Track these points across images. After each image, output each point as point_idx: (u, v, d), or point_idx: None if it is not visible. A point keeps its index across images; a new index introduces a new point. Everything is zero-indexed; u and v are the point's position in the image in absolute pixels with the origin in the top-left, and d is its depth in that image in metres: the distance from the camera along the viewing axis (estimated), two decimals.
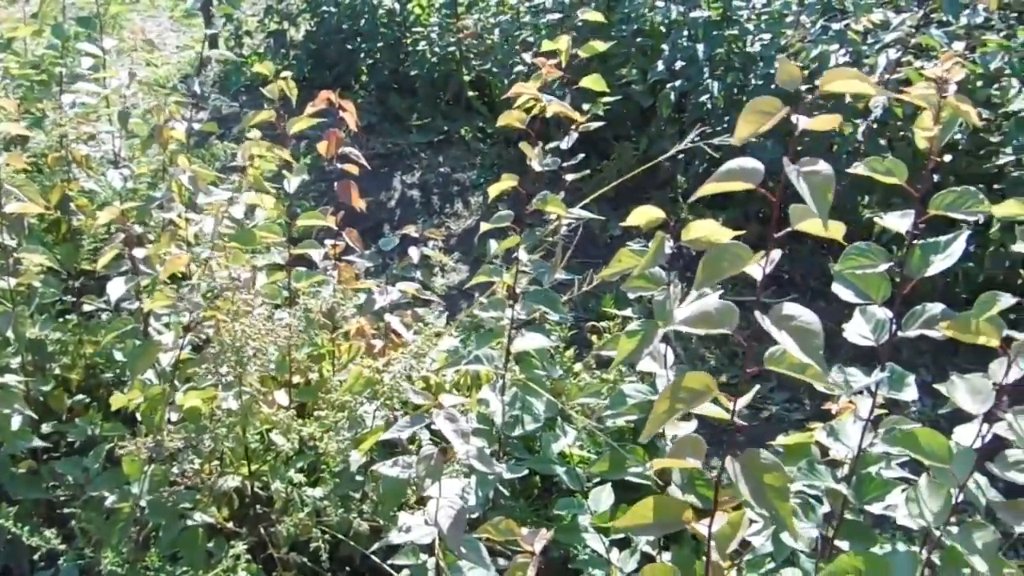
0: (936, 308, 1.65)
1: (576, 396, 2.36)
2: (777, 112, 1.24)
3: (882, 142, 4.03)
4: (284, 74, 2.62)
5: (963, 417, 1.75)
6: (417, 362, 1.96)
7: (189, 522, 2.22)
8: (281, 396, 2.42)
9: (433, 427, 1.68)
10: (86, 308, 3.26)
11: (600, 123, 2.83)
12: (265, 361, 2.01)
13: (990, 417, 1.74)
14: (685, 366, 2.05)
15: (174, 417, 2.28)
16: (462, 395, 2.59)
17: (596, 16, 2.79)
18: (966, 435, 1.74)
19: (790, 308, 1.29)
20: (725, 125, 4.54)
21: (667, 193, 4.88)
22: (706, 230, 1.97)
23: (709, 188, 1.30)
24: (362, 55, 6.22)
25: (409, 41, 6.07)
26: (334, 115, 2.90)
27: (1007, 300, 1.81)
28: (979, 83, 3.83)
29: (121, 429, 2.61)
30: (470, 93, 5.89)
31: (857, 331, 1.75)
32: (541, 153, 2.21)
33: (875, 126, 3.90)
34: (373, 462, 2.19)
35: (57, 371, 2.92)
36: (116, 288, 2.42)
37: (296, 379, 2.42)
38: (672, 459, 1.39)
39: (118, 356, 2.65)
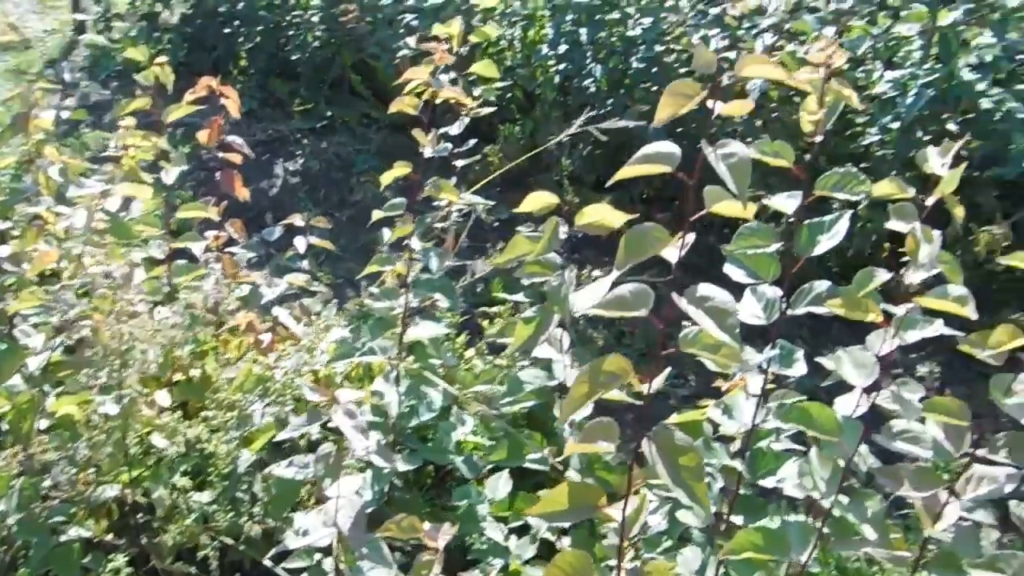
0: (822, 286, 1.70)
1: (472, 384, 2.34)
2: (696, 95, 1.25)
3: (758, 123, 4.14)
4: (160, 59, 2.50)
5: (843, 388, 1.81)
6: (310, 356, 1.91)
7: (63, 537, 2.08)
8: (162, 396, 2.32)
9: (330, 424, 1.64)
10: None
11: (491, 108, 2.81)
12: (148, 362, 1.92)
13: (869, 388, 1.81)
14: (579, 349, 2.06)
15: (43, 424, 2.16)
16: (355, 386, 2.54)
17: (491, 1, 2.76)
18: (846, 406, 1.81)
19: (705, 289, 1.31)
20: (609, 108, 4.59)
21: (552, 176, 4.90)
22: (599, 214, 1.98)
23: (628, 171, 1.30)
24: (241, 39, 6.03)
25: (289, 25, 5.92)
26: (215, 102, 2.80)
27: (883, 276, 1.88)
28: (845, 67, 3.97)
29: None
30: (353, 77, 5.78)
31: (749, 310, 1.78)
32: (435, 139, 2.18)
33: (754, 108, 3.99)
34: (264, 462, 2.12)
35: None
36: None
37: (178, 377, 2.32)
38: (584, 444, 1.39)
39: None
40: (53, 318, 2.09)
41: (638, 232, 1.31)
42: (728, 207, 1.40)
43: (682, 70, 4.40)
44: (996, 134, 3.31)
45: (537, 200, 2.00)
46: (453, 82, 2.54)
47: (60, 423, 2.10)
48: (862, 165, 4.01)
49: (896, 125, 3.67)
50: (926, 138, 3.67)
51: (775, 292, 1.78)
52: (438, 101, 2.23)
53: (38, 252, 2.04)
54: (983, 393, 1.81)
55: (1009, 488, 1.79)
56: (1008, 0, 3.50)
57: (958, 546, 1.65)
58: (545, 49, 4.62)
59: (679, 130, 4.33)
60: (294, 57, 5.77)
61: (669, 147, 1.28)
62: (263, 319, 2.32)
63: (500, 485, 2.26)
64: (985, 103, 3.26)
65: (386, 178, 2.23)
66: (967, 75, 3.30)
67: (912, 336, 1.53)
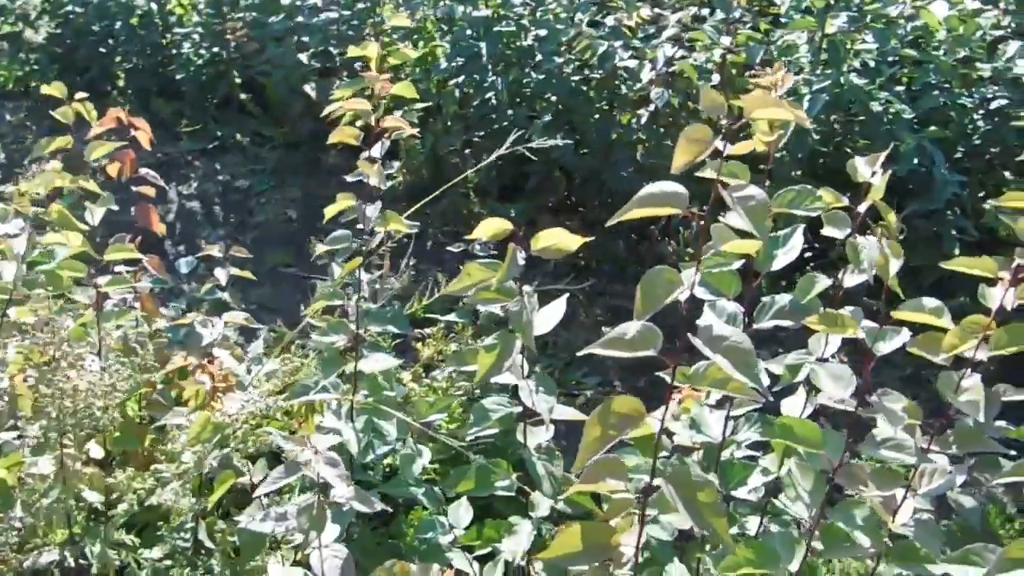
0: (783, 299, 1.75)
1: (427, 413, 2.31)
2: (708, 139, 1.26)
3: (660, 130, 4.24)
4: (79, 95, 2.37)
5: (786, 390, 1.88)
6: (272, 401, 1.85)
7: None
8: (95, 449, 2.21)
9: (308, 472, 1.59)
10: None
11: (414, 131, 2.78)
12: (97, 416, 1.82)
13: (811, 389, 1.89)
14: (540, 375, 2.06)
15: None
16: (297, 420, 2.48)
17: (404, 21, 2.74)
18: (793, 407, 1.88)
19: (720, 328, 1.32)
20: (509, 121, 4.61)
21: (458, 189, 4.89)
22: (554, 239, 1.99)
23: (634, 212, 1.30)
24: (118, 59, 5.79)
25: (170, 43, 5.71)
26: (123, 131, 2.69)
27: (824, 281, 1.96)
28: (736, 73, 4.11)
29: None
30: (242, 96, 5.63)
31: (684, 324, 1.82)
32: (380, 171, 2.14)
33: (656, 116, 4.10)
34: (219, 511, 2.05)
35: None
36: None
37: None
38: (590, 483, 1.38)
39: None
40: None
41: (653, 278, 1.31)
42: (739, 246, 1.42)
43: (575, 77, 4.47)
44: (886, 134, 3.49)
45: (490, 227, 1.99)
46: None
47: None
48: (761, 167, 4.17)
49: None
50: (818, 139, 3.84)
51: (736, 307, 1.83)
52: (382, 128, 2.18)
53: None
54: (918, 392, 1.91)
55: (960, 480, 1.90)
56: (888, 8, 3.68)
57: (919, 539, 1.74)
58: (443, 63, 4.61)
59: (580, 135, 4.42)
60: (178, 76, 5.58)
61: (674, 187, 1.29)
62: (202, 362, 2.22)
63: (461, 514, 2.25)
64: (875, 106, 3.43)
65: (330, 211, 2.18)
66: (855, 79, 3.47)
67: (885, 348, 1.60)
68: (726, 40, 3.79)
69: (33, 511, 1.95)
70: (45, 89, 2.34)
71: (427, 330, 3.06)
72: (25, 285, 1.95)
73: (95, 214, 2.27)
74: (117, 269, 2.60)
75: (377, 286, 2.29)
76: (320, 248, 2.15)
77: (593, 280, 4.30)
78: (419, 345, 3.05)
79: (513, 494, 2.18)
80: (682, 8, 4.23)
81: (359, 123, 2.51)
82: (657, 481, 1.38)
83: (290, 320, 4.09)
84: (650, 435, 2.24)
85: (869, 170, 1.89)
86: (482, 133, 4.80)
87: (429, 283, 3.11)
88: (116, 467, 2.30)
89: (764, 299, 1.81)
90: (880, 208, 1.88)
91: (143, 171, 2.71)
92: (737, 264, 1.77)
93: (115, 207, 2.38)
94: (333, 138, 2.19)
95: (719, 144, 1.28)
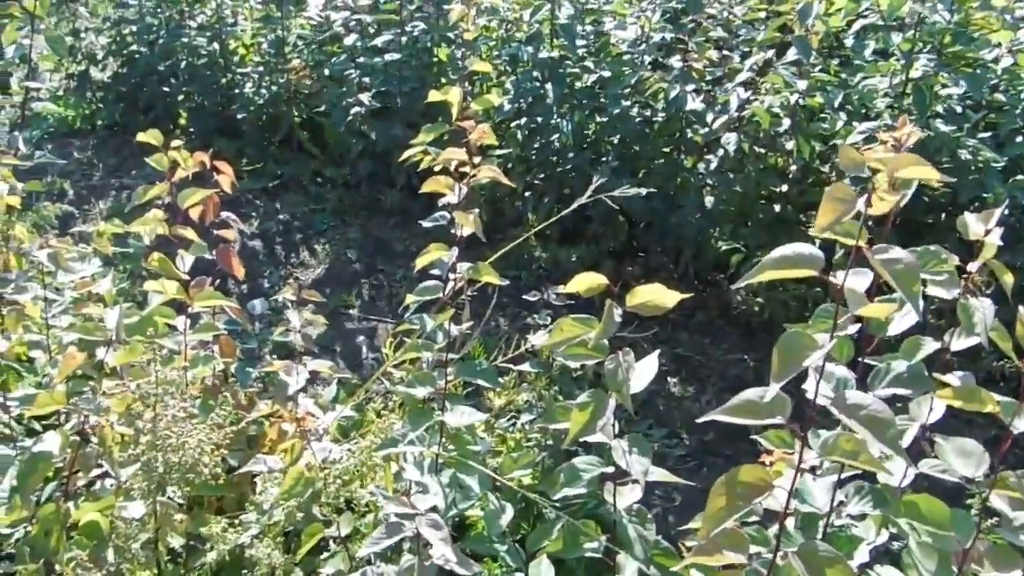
0: (900, 366, 1.68)
1: (510, 469, 2.26)
2: (852, 200, 1.21)
3: (729, 175, 4.19)
4: (175, 143, 2.38)
5: None
6: (365, 456, 1.81)
7: None
8: (173, 492, 2.19)
9: (411, 534, 1.54)
10: None
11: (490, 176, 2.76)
12: (201, 467, 1.79)
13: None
14: (633, 435, 2.00)
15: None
16: (373, 475, 2.43)
17: (485, 67, 2.72)
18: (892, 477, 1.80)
19: (855, 396, 1.26)
20: (572, 164, 4.59)
21: (520, 230, 4.87)
22: (651, 295, 1.94)
23: (768, 274, 1.25)
24: (181, 98, 5.86)
25: (232, 83, 5.77)
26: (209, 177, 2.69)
27: (930, 345, 1.88)
28: (807, 120, 4.05)
29: None
30: (302, 135, 5.66)
31: (819, 391, 1.75)
32: (477, 220, 2.11)
33: (724, 161, 4.04)
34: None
35: None
36: None
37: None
38: (707, 555, 1.32)
39: None
40: (72, 420, 1.94)
41: (790, 341, 1.26)
42: (874, 310, 1.36)
43: (638, 119, 4.43)
44: (974, 184, 3.40)
45: (585, 281, 1.95)
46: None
47: (85, 532, 1.95)
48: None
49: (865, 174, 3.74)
50: None
51: (845, 372, 1.76)
52: (479, 180, 2.15)
53: (65, 355, 1.89)
54: None
55: None
56: (983, 52, 3.60)
57: None
58: (507, 105, 4.60)
59: (643, 179, 4.37)
60: (240, 115, 5.62)
61: (809, 249, 1.24)
62: (290, 410, 2.19)
63: (543, 573, 2.19)
64: (963, 154, 3.35)
65: (422, 261, 2.15)
66: (941, 126, 3.39)
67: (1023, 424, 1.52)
68: (802, 84, 3.73)
69: (125, 555, 1.92)
70: (141, 136, 2.34)
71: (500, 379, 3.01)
72: (126, 331, 1.94)
73: (186, 260, 2.26)
74: (197, 312, 2.60)
75: (462, 336, 2.25)
76: (410, 299, 2.12)
77: (656, 328, 4.23)
78: (491, 395, 3.00)
79: (599, 555, 2.12)
80: (750, 51, 4.18)
81: (436, 167, 2.49)
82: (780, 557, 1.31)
83: (351, 363, 4.07)
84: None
85: (982, 227, 1.82)
86: (542, 176, 4.78)
87: (503, 333, 3.05)
88: (191, 511, 2.28)
89: (878, 365, 1.75)
90: (994, 268, 1.81)
91: (224, 215, 2.71)
92: (853, 329, 1.71)
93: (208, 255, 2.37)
94: (427, 187, 2.16)
95: (860, 206, 1.23)
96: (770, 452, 2.15)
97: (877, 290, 1.83)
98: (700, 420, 1.33)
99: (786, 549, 1.31)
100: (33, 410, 1.90)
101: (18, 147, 3.54)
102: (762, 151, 4.15)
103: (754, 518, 2.04)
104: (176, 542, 2.22)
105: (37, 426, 2.67)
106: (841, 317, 1.68)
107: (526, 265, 4.75)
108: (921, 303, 1.23)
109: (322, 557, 2.14)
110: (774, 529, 1.97)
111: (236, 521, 1.98)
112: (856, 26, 3.93)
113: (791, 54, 3.91)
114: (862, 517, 1.78)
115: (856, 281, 1.42)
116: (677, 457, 3.59)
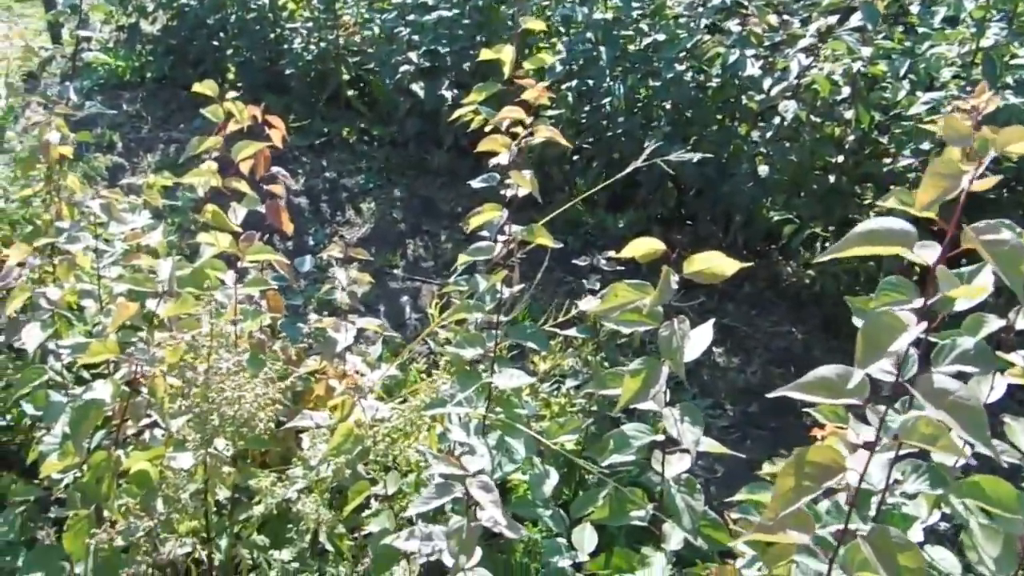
0: (967, 343, 1.62)
1: (557, 433, 2.24)
2: (959, 176, 1.15)
3: (785, 143, 4.09)
4: (230, 94, 2.36)
5: None
6: (416, 417, 1.79)
7: None
8: (219, 443, 2.20)
9: (459, 495, 1.53)
10: None
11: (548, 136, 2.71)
12: (251, 427, 1.79)
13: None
14: (685, 403, 1.96)
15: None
16: (415, 435, 2.42)
17: (538, 24, 2.66)
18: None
19: (941, 381, 1.21)
20: (623, 128, 4.51)
21: (568, 195, 4.82)
22: (708, 262, 1.90)
23: (855, 250, 1.19)
24: (230, 52, 5.85)
25: (281, 38, 5.75)
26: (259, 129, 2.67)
27: (995, 323, 1.82)
28: (868, 89, 3.93)
29: (34, 491, 2.31)
30: (349, 92, 5.63)
31: (879, 366, 1.70)
32: (534, 180, 2.07)
33: (780, 129, 3.95)
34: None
35: None
36: (33, 336, 2.13)
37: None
38: (770, 534, 1.29)
39: (29, 409, 2.33)
40: (122, 369, 1.95)
41: (876, 322, 1.20)
42: (968, 291, 1.30)
43: (692, 84, 4.34)
44: None
45: (641, 246, 1.91)
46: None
47: (135, 480, 1.96)
48: (891, 187, 3.98)
49: (927, 146, 3.63)
50: None
51: (910, 349, 1.70)
52: (536, 141, 2.10)
53: (117, 305, 1.89)
54: None
55: None
56: None
57: None
58: (558, 67, 4.53)
59: (695, 145, 4.28)
60: (288, 71, 5.60)
61: (901, 225, 1.18)
62: (337, 367, 2.19)
63: (586, 538, 2.17)
64: None
65: (474, 221, 2.12)
66: (1011, 97, 3.27)
67: None
68: (866, 51, 3.62)
69: (174, 504, 1.93)
70: (197, 87, 2.33)
71: None
72: (177, 283, 1.93)
73: (239, 213, 2.25)
74: (245, 266, 2.60)
75: (512, 298, 2.22)
76: (462, 258, 2.09)
77: (703, 298, 4.18)
78: (536, 359, 2.97)
79: (644, 524, 2.10)
80: (811, 16, 4.07)
81: (487, 127, 2.45)
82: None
83: (395, 322, 4.06)
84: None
85: None
86: (592, 140, 4.71)
87: (551, 298, 3.01)
88: (237, 464, 2.29)
89: (942, 342, 1.68)
90: None
91: (274, 169, 2.69)
92: (918, 303, 1.65)
93: (260, 208, 2.36)
94: (483, 146, 2.12)
95: (965, 183, 1.16)
96: (821, 426, 2.11)
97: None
98: (771, 395, 1.29)
99: (851, 529, 1.27)
100: (86, 358, 1.90)
101: (69, 97, 3.53)
102: (819, 120, 4.05)
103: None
104: (223, 494, 2.23)
105: (86, 374, 2.69)
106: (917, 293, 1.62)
107: (573, 230, 4.70)
108: (1021, 285, 1.16)
109: (366, 514, 2.13)
110: (824, 504, 1.94)
111: (283, 475, 1.99)
112: None
113: (855, 20, 3.80)
114: (913, 496, 1.73)
115: (927, 255, 1.36)
116: (721, 428, 3.55)
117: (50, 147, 2.83)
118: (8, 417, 2.66)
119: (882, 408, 1.75)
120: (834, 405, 1.98)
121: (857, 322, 1.76)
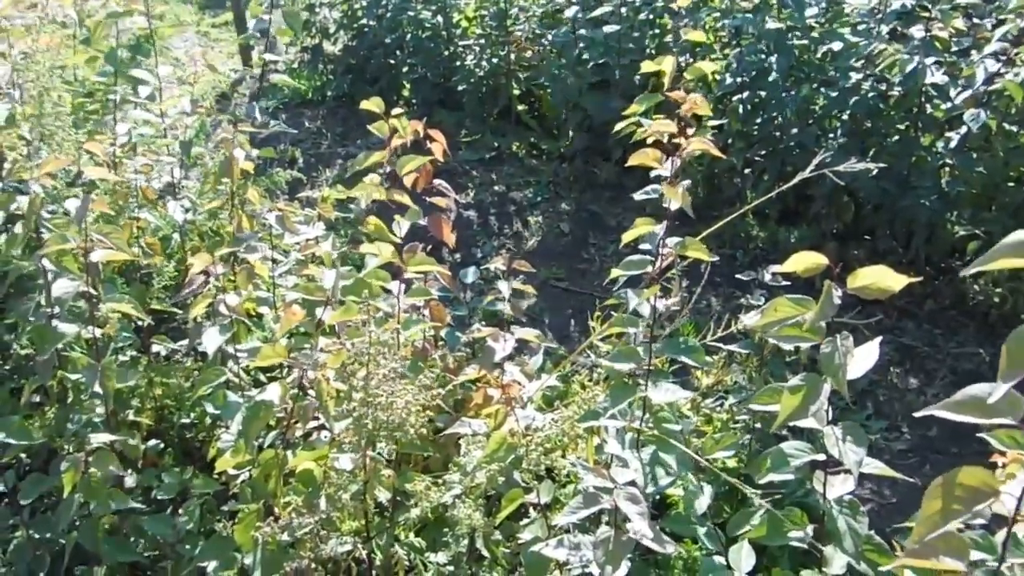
0: None
1: (713, 450, 2.19)
2: None
3: (973, 154, 3.86)
4: (396, 111, 2.45)
5: None
6: (569, 428, 1.80)
7: None
8: (379, 447, 2.26)
9: (609, 507, 1.52)
10: (155, 349, 3.12)
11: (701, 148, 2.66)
12: (403, 431, 1.84)
13: None
14: (848, 423, 1.88)
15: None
16: (568, 447, 2.42)
17: (700, 36, 2.62)
18: None
19: None
20: (795, 140, 4.37)
21: (736, 208, 4.70)
22: (874, 277, 1.81)
23: (1003, 262, 1.11)
24: (405, 69, 6.06)
25: (454, 54, 5.91)
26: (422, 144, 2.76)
27: None
28: None
29: (213, 485, 2.46)
30: (520, 107, 5.72)
31: None
32: (687, 195, 2.04)
33: (967, 139, 3.72)
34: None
35: (131, 417, 2.78)
36: (213, 339, 2.27)
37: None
38: (922, 559, 1.21)
39: (210, 408, 2.49)
40: (292, 374, 2.05)
41: (1020, 335, 1.11)
42: None
43: (871, 93, 4.14)
44: None
45: (803, 260, 1.84)
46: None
47: (300, 479, 2.06)
48: None
49: None
50: None
51: None
52: (688, 153, 2.07)
53: (285, 311, 2.00)
54: None
55: None
56: None
57: None
58: (728, 78, 4.44)
59: (874, 157, 4.09)
60: (460, 87, 5.75)
61: None
62: (495, 376, 2.22)
63: (743, 557, 2.10)
64: None
65: (628, 236, 2.10)
66: None
67: None
68: None
69: (336, 504, 2.01)
70: (364, 104, 2.43)
71: (707, 357, 2.91)
72: (342, 292, 2.02)
73: (402, 226, 2.32)
74: (409, 277, 2.68)
75: (669, 312, 2.19)
76: (615, 272, 2.07)
77: (881, 316, 3.97)
78: (699, 374, 2.92)
79: (804, 546, 2.02)
80: (1002, 19, 3.82)
81: (649, 140, 2.43)
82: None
83: (558, 335, 4.08)
84: None
85: None
86: (763, 152, 4.58)
87: (715, 312, 2.95)
88: (399, 468, 2.36)
89: None
90: None
91: (436, 182, 2.77)
92: None
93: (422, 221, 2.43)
94: (633, 160, 2.11)
95: None
96: (1003, 453, 1.96)
97: None
98: (918, 414, 1.21)
99: (1012, 560, 1.18)
100: (257, 362, 2.01)
101: (255, 116, 3.75)
102: (1012, 128, 3.79)
103: (980, 521, 1.87)
104: (383, 496, 2.29)
105: (262, 377, 2.84)
106: None
107: (743, 244, 4.59)
108: None
109: (521, 523, 2.15)
110: (1001, 535, 1.81)
111: (440, 480, 2.03)
112: None
113: None
114: None
115: None
116: (897, 451, 3.37)
117: (234, 163, 3.02)
118: (192, 415, 2.85)
119: None
120: (1009, 430, 1.85)
121: None
